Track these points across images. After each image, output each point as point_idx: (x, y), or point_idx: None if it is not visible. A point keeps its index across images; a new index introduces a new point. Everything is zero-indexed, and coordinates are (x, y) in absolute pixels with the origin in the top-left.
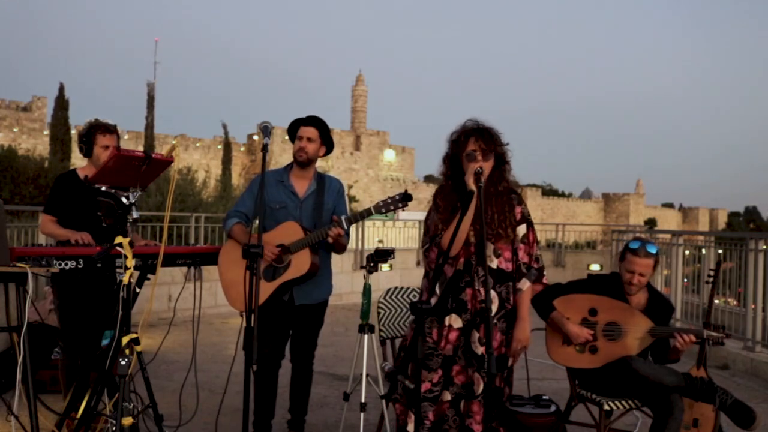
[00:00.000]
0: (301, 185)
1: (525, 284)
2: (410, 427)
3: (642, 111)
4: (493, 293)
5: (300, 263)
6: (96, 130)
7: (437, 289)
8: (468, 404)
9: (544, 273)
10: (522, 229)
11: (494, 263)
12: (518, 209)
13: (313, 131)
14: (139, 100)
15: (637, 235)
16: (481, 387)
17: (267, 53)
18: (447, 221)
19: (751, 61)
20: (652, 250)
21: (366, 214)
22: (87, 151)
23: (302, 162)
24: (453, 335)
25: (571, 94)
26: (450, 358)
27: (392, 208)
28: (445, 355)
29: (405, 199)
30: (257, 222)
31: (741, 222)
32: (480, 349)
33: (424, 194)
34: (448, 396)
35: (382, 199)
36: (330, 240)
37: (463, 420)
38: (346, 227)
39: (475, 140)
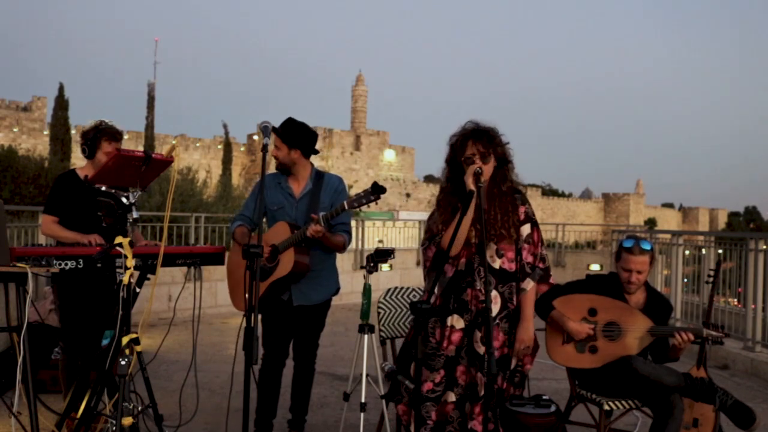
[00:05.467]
0: (297, 186)
1: (529, 284)
2: (413, 427)
3: (643, 111)
4: (495, 293)
5: (285, 263)
6: (102, 135)
7: (436, 289)
8: (472, 407)
9: (551, 273)
10: (526, 229)
11: (497, 263)
12: (522, 209)
13: (275, 139)
14: (139, 100)
15: (629, 233)
16: (484, 387)
17: (267, 53)
18: (447, 221)
19: (753, 61)
20: (646, 246)
21: (340, 210)
22: (90, 153)
23: (280, 169)
24: (456, 336)
25: (573, 93)
26: (453, 359)
27: (364, 202)
28: (447, 355)
29: (376, 191)
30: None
31: (741, 222)
32: (482, 349)
33: (424, 194)
34: (452, 397)
35: (355, 194)
36: (309, 235)
37: (467, 422)
38: (323, 224)
39: (473, 143)
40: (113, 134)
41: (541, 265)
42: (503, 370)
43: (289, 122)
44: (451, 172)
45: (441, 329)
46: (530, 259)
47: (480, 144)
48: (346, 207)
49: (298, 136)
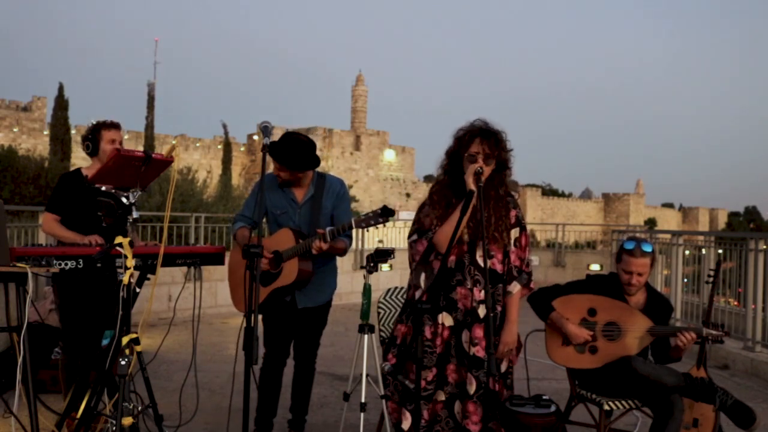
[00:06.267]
0: (300, 191)
1: (515, 287)
2: (404, 424)
3: (643, 111)
4: (484, 294)
5: (289, 272)
6: (101, 126)
7: (422, 282)
8: (463, 405)
9: (532, 278)
10: (515, 233)
11: (486, 264)
12: (513, 212)
13: (278, 166)
14: (139, 100)
15: (630, 235)
16: (474, 386)
17: (267, 53)
18: (442, 217)
19: (753, 61)
20: (648, 248)
21: (347, 227)
22: (93, 149)
23: (282, 183)
24: (445, 333)
25: (573, 93)
26: (444, 357)
27: (372, 223)
28: (439, 352)
29: (385, 214)
30: (263, 224)
31: (741, 222)
32: (472, 350)
33: (424, 194)
34: (441, 396)
35: (364, 214)
36: (314, 252)
37: (457, 421)
38: (329, 239)
39: (479, 142)
40: (111, 123)
41: (526, 270)
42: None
43: (286, 143)
44: (450, 165)
45: (432, 326)
46: (517, 262)
47: (487, 144)
48: (354, 225)
49: (298, 160)
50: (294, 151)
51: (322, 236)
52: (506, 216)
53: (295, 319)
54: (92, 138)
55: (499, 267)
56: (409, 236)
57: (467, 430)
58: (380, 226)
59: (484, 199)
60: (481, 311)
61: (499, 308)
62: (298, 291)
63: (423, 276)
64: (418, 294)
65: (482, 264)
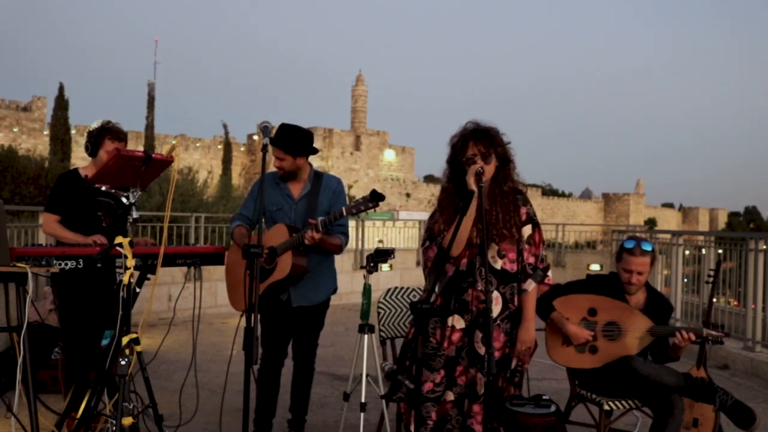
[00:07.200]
0: (296, 187)
1: (530, 285)
2: (413, 427)
3: (643, 110)
4: (496, 294)
5: (283, 266)
6: (106, 134)
7: (436, 288)
8: (470, 405)
9: (548, 273)
10: (527, 230)
11: (498, 264)
12: (523, 209)
13: (279, 152)
14: (139, 100)
15: (630, 234)
16: (484, 387)
17: (267, 53)
18: (449, 221)
19: (754, 61)
20: (648, 247)
21: (338, 216)
22: (92, 151)
23: (283, 177)
24: (456, 336)
25: (573, 92)
26: (453, 359)
27: (362, 209)
28: (448, 355)
29: (374, 198)
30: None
31: (741, 222)
32: (483, 350)
33: (424, 194)
34: (451, 396)
35: (354, 201)
36: (307, 242)
37: (465, 420)
38: (321, 229)
39: (474, 144)
40: (117, 133)
41: (540, 266)
42: (504, 370)
43: (286, 130)
44: (453, 173)
45: (441, 329)
46: (531, 260)
47: (481, 144)
48: (345, 213)
49: (299, 143)
50: (291, 135)
51: (314, 226)
52: (515, 212)
53: (291, 318)
54: (94, 141)
55: (512, 266)
56: (422, 244)
57: (471, 430)
58: (381, 225)
59: (490, 197)
60: (494, 311)
61: (512, 307)
62: (293, 288)
63: (436, 281)
64: (432, 299)
65: (493, 265)
